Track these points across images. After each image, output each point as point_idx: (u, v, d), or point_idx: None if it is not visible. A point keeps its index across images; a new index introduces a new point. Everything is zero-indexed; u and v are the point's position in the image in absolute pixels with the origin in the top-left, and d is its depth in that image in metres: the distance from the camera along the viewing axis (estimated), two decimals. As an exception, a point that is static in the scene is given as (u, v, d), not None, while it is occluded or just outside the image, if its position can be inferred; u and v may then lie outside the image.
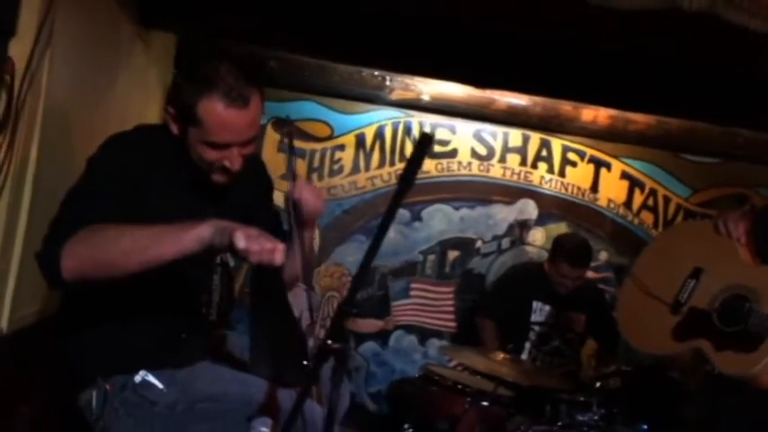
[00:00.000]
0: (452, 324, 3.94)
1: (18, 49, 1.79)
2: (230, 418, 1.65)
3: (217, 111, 1.58)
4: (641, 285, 2.25)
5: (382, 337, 3.94)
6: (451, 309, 3.96)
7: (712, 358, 1.98)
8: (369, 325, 3.93)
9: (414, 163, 1.10)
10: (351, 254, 3.91)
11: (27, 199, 1.93)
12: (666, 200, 4.06)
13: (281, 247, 1.42)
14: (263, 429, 1.44)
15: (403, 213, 3.95)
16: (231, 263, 2.30)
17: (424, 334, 3.94)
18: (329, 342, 1.19)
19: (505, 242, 4.00)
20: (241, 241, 1.39)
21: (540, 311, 3.44)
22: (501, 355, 2.81)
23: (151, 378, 1.69)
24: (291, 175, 1.76)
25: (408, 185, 1.13)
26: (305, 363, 1.35)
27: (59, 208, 1.59)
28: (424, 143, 1.17)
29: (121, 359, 1.69)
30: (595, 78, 3.15)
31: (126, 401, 1.66)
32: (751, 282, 1.96)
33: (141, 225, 1.50)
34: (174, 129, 1.67)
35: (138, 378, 1.67)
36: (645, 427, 2.68)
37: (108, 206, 1.55)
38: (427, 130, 3.95)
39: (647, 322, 2.21)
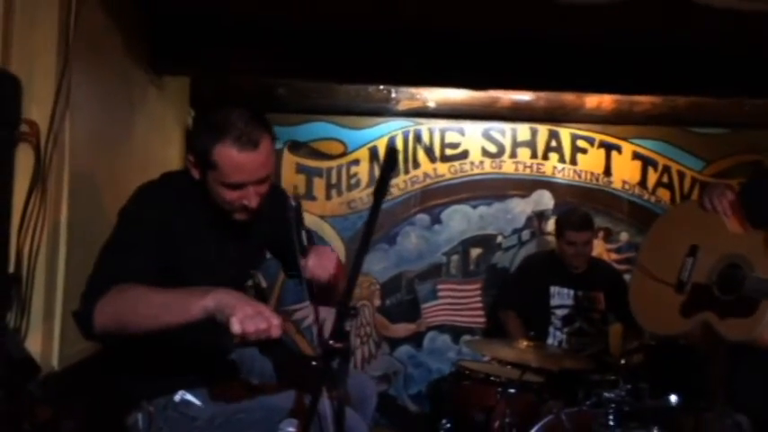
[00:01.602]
0: (482, 320, 4.05)
1: (40, 113, 1.97)
2: (263, 425, 1.80)
3: (230, 155, 1.73)
4: (647, 272, 2.34)
5: (416, 339, 4.07)
6: (480, 305, 4.07)
7: (718, 328, 2.05)
8: (401, 329, 4.07)
9: (384, 177, 1.23)
10: (376, 263, 4.06)
11: (63, 248, 2.11)
12: (681, 175, 4.11)
13: (276, 323, 1.53)
14: (290, 429, 1.58)
15: (423, 218, 4.08)
16: (263, 284, 2.48)
17: (456, 332, 4.05)
18: (331, 342, 1.33)
19: (525, 234, 4.09)
20: (236, 326, 1.50)
21: (558, 295, 3.52)
22: (525, 343, 2.90)
23: (189, 397, 1.86)
24: (300, 249, 1.74)
25: (382, 197, 1.27)
26: (313, 363, 1.49)
27: (95, 263, 1.75)
28: (391, 157, 1.30)
29: (162, 383, 1.87)
30: (595, 67, 3.23)
31: (168, 419, 1.84)
32: (741, 249, 2.04)
33: (159, 290, 1.64)
34: (196, 174, 1.83)
35: (177, 398, 1.85)
36: (673, 398, 2.73)
37: (140, 260, 1.72)
38: (436, 134, 4.08)
39: (656, 306, 2.29)
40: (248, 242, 1.96)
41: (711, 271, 2.10)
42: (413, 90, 3.84)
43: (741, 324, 1.96)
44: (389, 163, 1.25)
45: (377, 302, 4.07)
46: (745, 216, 2.08)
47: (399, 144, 4.09)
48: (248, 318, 1.51)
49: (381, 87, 3.82)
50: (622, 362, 2.88)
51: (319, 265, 1.79)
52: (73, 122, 2.14)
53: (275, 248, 2.11)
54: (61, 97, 2.06)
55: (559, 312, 3.52)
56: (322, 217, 4.08)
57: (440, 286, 4.08)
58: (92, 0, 2.29)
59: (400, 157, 4.08)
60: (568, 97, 3.85)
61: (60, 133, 2.06)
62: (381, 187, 1.26)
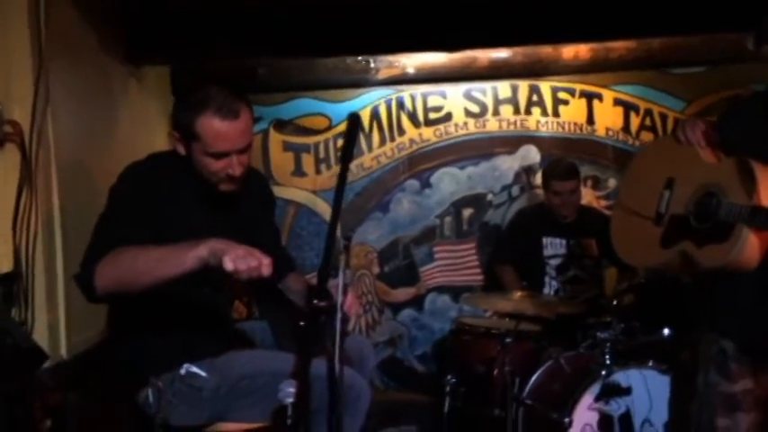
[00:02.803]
0: (480, 278, 4.12)
1: (20, 112, 2.04)
2: (266, 390, 1.87)
3: (212, 125, 1.85)
4: (626, 209, 2.36)
5: (417, 302, 4.14)
6: (476, 263, 4.13)
7: (695, 257, 2.07)
8: (402, 294, 4.15)
9: (349, 142, 1.30)
10: (371, 231, 4.12)
11: (59, 240, 2.19)
12: (663, 117, 4.14)
13: (266, 261, 1.64)
14: (289, 389, 1.65)
15: (413, 183, 4.13)
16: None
17: (455, 292, 4.12)
18: (315, 302, 1.40)
19: (515, 190, 4.15)
20: (229, 264, 1.62)
21: (551, 246, 3.59)
22: (518, 294, 2.98)
23: (194, 369, 1.94)
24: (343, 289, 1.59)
25: (348, 161, 1.33)
26: (300, 323, 1.56)
27: (91, 236, 1.86)
28: (353, 123, 1.36)
29: (167, 359, 1.95)
30: (568, 17, 3.23)
31: (177, 392, 1.92)
32: (715, 178, 2.05)
33: (154, 247, 1.75)
34: (181, 149, 1.93)
35: (183, 371, 1.93)
36: (665, 331, 2.82)
37: (131, 229, 1.81)
38: (418, 100, 4.13)
39: (636, 240, 2.30)
40: (235, 217, 2.03)
41: (688, 201, 2.12)
42: (391, 58, 3.88)
43: (717, 249, 1.98)
44: (352, 128, 1.30)
45: (375, 270, 4.14)
46: (723, 147, 2.11)
47: (383, 112, 4.12)
48: (240, 257, 1.62)
49: (360, 58, 3.85)
50: (614, 303, 2.95)
51: (354, 304, 1.91)
52: (55, 119, 2.20)
53: (252, 230, 2.16)
54: (40, 96, 2.11)
55: (553, 262, 3.59)
56: (314, 192, 4.13)
57: (435, 248, 4.15)
58: (61, -2, 2.34)
59: (384, 125, 4.12)
60: (545, 50, 3.87)
61: (43, 130, 2.12)
62: (346, 152, 1.32)
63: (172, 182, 1.95)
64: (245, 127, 1.90)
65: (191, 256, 1.68)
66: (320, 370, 1.58)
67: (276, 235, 2.28)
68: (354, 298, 1.93)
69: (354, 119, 1.36)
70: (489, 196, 4.15)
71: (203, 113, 1.84)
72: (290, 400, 1.63)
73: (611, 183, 4.13)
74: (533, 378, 2.93)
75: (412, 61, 3.89)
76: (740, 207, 1.95)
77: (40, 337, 2.05)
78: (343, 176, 1.40)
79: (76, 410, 1.99)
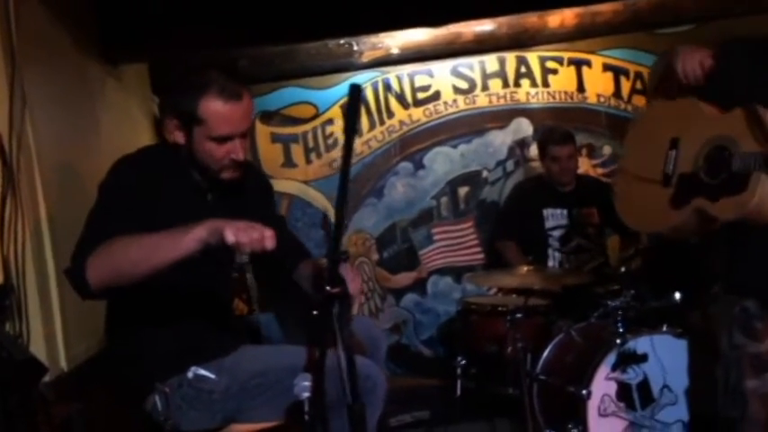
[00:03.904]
0: (480, 256, 4.06)
1: (-2, 118, 1.94)
2: (279, 386, 1.81)
3: (216, 107, 1.78)
4: (630, 175, 2.30)
5: (419, 286, 4.08)
6: (476, 242, 4.07)
7: (711, 211, 2.01)
8: (403, 279, 4.08)
9: (350, 114, 1.22)
10: (367, 218, 4.05)
11: (49, 248, 2.10)
12: (654, 79, 4.08)
13: (269, 233, 1.56)
14: (305, 383, 1.59)
15: (406, 166, 4.07)
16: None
17: (457, 273, 4.06)
18: (328, 288, 1.33)
19: (509, 165, 4.08)
20: (230, 236, 1.54)
21: (552, 217, 3.53)
22: (525, 268, 2.92)
23: (202, 371, 1.87)
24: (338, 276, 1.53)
25: (352, 136, 1.25)
26: (313, 312, 1.49)
27: (82, 230, 1.76)
28: (355, 94, 1.28)
29: (172, 362, 1.87)
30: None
31: (186, 397, 1.85)
32: (722, 131, 2.00)
33: (148, 234, 1.66)
34: (180, 137, 1.84)
35: (190, 374, 1.85)
36: (677, 295, 2.77)
37: (121, 222, 1.72)
38: (405, 80, 4.04)
39: (644, 206, 2.24)
40: (236, 208, 1.93)
41: (696, 158, 2.07)
42: (374, 39, 3.79)
43: (735, 201, 1.93)
44: (354, 100, 1.23)
45: (375, 257, 4.08)
46: (724, 78, 2.02)
47: (370, 96, 4.04)
48: (240, 230, 1.55)
49: (342, 42, 3.76)
50: (622, 270, 2.91)
51: (356, 286, 1.76)
52: (34, 123, 2.11)
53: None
54: (16, 99, 2.03)
55: (556, 233, 3.54)
56: (306, 182, 4.05)
57: (434, 230, 4.08)
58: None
59: (372, 109, 4.04)
60: (530, 19, 3.80)
61: (23, 135, 2.03)
62: (350, 125, 1.24)
63: (167, 173, 1.86)
64: (248, 109, 1.85)
65: (189, 238, 1.60)
66: (332, 361, 1.51)
67: (282, 222, 2.19)
68: (354, 273, 1.80)
69: (355, 91, 1.28)
70: (484, 173, 4.09)
71: (206, 95, 1.77)
72: (307, 394, 1.56)
73: (606, 150, 4.08)
74: (545, 353, 2.89)
75: (396, 41, 3.81)
76: (754, 155, 1.91)
77: (38, 349, 1.96)
78: (347, 153, 1.33)
79: (82, 424, 1.91)
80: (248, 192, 2.01)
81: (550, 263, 3.48)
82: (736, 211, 1.95)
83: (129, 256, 1.64)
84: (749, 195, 1.90)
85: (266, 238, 1.56)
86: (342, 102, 4.05)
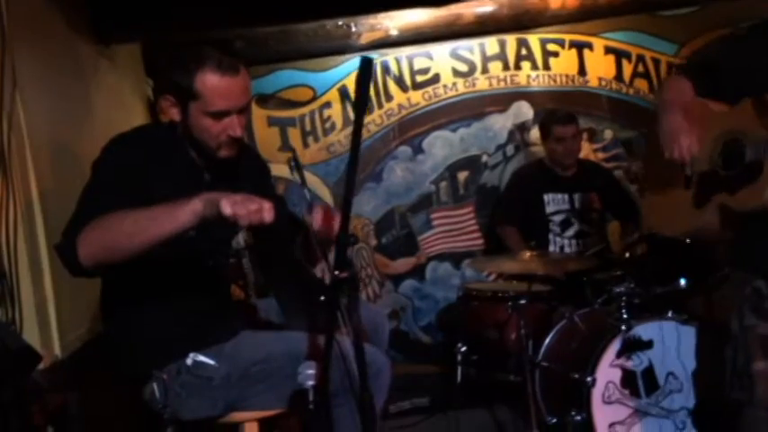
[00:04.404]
0: (480, 242, 4.02)
1: (-12, 98, 1.88)
2: (281, 373, 1.77)
3: (213, 81, 1.72)
4: (655, 187, 2.30)
5: (418, 272, 4.04)
6: (475, 228, 4.03)
7: (731, 204, 2.00)
8: (402, 265, 4.04)
9: (362, 90, 1.16)
10: (366, 203, 4.00)
11: (41, 232, 2.04)
12: (656, 62, 4.02)
13: (267, 205, 1.51)
14: (309, 372, 1.54)
15: (405, 150, 4.01)
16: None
17: (456, 258, 4.02)
18: (336, 273, 1.28)
19: (510, 149, 4.03)
20: (227, 208, 1.49)
21: (553, 202, 3.49)
22: (527, 254, 2.88)
23: (201, 358, 1.81)
24: (308, 207, 1.76)
25: (364, 108, 1.19)
26: (321, 298, 1.44)
27: (75, 207, 1.71)
28: (366, 67, 1.22)
29: (169, 349, 1.81)
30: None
31: (185, 384, 1.79)
32: (733, 124, 1.99)
33: (143, 208, 1.60)
34: (175, 114, 1.79)
35: (189, 361, 1.80)
36: (682, 281, 2.74)
37: (115, 198, 1.67)
38: (404, 63, 3.98)
39: (672, 213, 2.23)
40: (233, 187, 1.87)
41: (711, 155, 2.06)
42: (373, 20, 3.71)
43: (752, 190, 1.92)
44: (366, 73, 1.17)
45: (373, 242, 4.03)
46: (725, 93, 2.01)
47: (368, 79, 3.98)
48: (238, 202, 1.50)
49: (340, 23, 3.68)
50: (626, 255, 2.87)
51: (325, 216, 1.77)
52: (25, 103, 2.04)
53: None
54: (6, 79, 1.97)
55: (556, 218, 3.49)
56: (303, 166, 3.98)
57: (433, 215, 4.03)
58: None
59: (371, 91, 3.97)
60: (532, 1, 3.74)
61: (14, 115, 1.97)
62: (361, 99, 1.18)
63: (163, 152, 1.81)
64: (246, 84, 1.79)
65: (186, 209, 1.54)
66: (337, 349, 1.46)
67: (282, 202, 2.13)
68: (325, 212, 1.79)
69: (366, 64, 1.22)
70: (484, 157, 4.03)
71: (203, 70, 1.71)
72: (311, 382, 1.52)
73: (608, 134, 4.03)
74: (547, 339, 2.85)
75: (395, 22, 3.73)
76: (765, 141, 1.88)
77: (32, 336, 1.90)
78: (357, 129, 1.27)
79: (79, 412, 1.86)
80: (245, 172, 1.96)
81: (551, 248, 3.44)
82: (753, 199, 1.93)
83: (124, 229, 1.58)
84: (764, 182, 1.88)
85: (265, 210, 1.51)
86: (339, 85, 3.98)
